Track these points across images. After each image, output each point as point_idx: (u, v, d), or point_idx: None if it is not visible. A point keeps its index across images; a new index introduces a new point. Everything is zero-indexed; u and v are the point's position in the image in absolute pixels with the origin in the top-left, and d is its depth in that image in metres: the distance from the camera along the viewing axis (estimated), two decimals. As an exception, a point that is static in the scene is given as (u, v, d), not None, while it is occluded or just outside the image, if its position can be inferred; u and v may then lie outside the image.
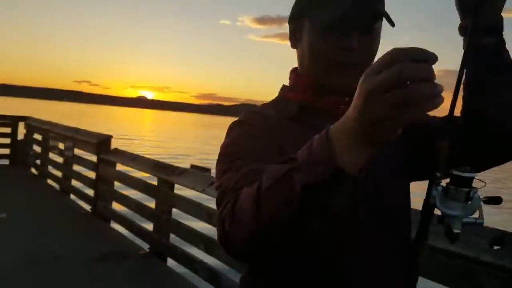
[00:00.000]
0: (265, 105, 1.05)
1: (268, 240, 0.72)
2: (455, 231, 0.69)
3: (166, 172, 4.72)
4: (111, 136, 6.36)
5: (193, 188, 4.21)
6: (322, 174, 0.63)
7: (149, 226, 4.97)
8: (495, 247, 1.80)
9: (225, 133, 0.98)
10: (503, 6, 0.97)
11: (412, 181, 1.06)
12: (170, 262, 4.51)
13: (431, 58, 0.56)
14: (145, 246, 4.88)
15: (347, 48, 0.93)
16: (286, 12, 1.08)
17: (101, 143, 6.24)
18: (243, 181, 0.80)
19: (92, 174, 6.48)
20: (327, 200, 0.66)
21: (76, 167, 7.16)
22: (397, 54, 0.56)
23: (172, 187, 4.65)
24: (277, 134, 0.95)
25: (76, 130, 7.34)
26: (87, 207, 6.38)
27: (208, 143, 31.72)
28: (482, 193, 0.73)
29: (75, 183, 7.14)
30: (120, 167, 6.04)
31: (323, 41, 0.95)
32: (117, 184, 6.01)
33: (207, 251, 3.97)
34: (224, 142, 0.96)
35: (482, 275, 1.87)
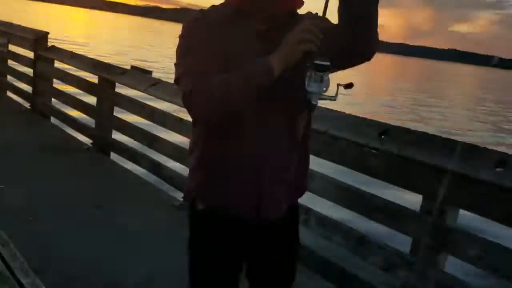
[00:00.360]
0: (210, 8, 1.38)
1: (229, 108, 1.25)
2: (313, 102, 1.11)
3: (108, 72, 4.84)
4: (48, 33, 6.25)
5: (135, 88, 4.43)
6: (267, 78, 1.20)
7: (91, 123, 5.16)
8: (382, 136, 2.32)
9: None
10: None
11: None
12: (114, 156, 4.80)
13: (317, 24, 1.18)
14: (88, 142, 5.09)
15: None
16: None
17: (38, 40, 6.12)
18: (198, 70, 1.26)
19: (29, 71, 6.41)
20: (264, 89, 1.22)
21: (12, 64, 7.00)
22: (306, 22, 1.18)
23: (113, 86, 4.80)
24: (215, 31, 1.31)
25: (10, 25, 7.08)
26: (26, 104, 6.41)
27: (147, 49, 30.55)
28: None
29: (11, 79, 7.03)
30: (58, 65, 6.05)
31: None
32: (56, 82, 6.05)
33: (150, 146, 4.30)
34: (180, 34, 1.34)
35: (370, 157, 2.40)
